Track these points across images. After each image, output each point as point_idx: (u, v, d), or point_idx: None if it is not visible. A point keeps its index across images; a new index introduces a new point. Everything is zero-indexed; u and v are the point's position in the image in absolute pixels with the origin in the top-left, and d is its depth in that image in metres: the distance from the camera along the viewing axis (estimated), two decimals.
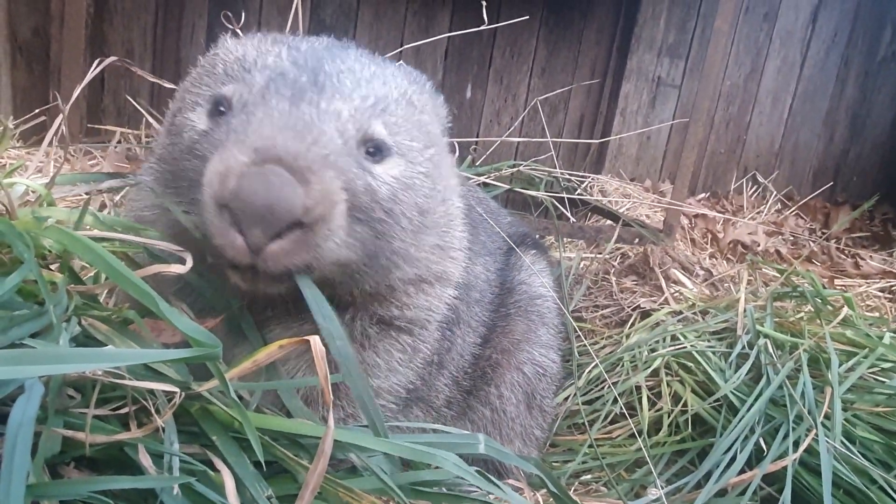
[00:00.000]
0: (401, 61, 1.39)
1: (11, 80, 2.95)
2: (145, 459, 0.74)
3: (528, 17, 2.59)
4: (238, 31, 1.85)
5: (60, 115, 1.38)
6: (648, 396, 1.85)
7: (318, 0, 3.41)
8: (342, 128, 1.02)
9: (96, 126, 2.91)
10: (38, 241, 0.90)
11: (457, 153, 3.25)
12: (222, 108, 1.05)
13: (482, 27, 1.96)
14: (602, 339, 2.11)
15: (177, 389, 0.78)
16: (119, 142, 2.54)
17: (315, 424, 0.89)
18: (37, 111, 2.18)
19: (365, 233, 1.04)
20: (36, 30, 2.99)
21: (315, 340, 0.82)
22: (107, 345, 0.90)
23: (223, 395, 0.90)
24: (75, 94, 1.49)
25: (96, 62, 1.55)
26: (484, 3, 2.01)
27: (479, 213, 1.60)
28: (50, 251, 0.93)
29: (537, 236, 2.05)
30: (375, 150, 1.07)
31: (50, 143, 1.52)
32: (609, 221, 3.11)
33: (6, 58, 2.90)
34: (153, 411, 0.79)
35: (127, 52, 3.18)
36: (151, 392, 0.85)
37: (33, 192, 1.09)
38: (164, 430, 0.82)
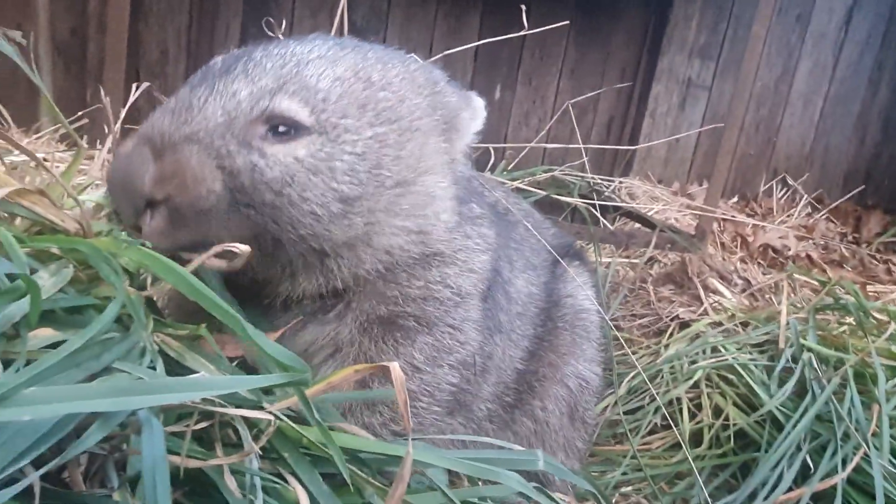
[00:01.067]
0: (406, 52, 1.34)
1: (52, 81, 2.99)
2: (231, 482, 0.75)
3: (567, 21, 2.56)
4: (270, 32, 1.87)
5: (111, 130, 1.41)
6: (689, 408, 1.84)
7: (349, 2, 3.42)
8: (232, 106, 1.01)
9: (132, 127, 2.94)
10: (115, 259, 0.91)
11: (492, 159, 3.25)
12: None
13: (521, 33, 1.95)
14: (640, 348, 2.10)
15: (270, 417, 0.79)
16: None
17: (389, 444, 0.90)
18: (80, 113, 2.21)
19: (255, 217, 1.01)
20: (74, 30, 3.02)
21: (395, 367, 0.82)
22: (182, 362, 0.91)
23: (291, 411, 0.92)
24: (119, 123, 1.53)
25: (134, 88, 1.60)
26: (523, 7, 2.00)
27: (526, 226, 1.59)
28: (125, 269, 0.94)
29: (577, 244, 2.04)
30: (286, 130, 1.03)
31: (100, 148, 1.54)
32: (639, 225, 3.09)
33: (47, 59, 2.94)
34: (237, 432, 0.80)
35: (161, 52, 3.21)
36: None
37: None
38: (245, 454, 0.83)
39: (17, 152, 1.97)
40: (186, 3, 3.18)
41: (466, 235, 1.27)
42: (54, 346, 0.78)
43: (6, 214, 0.96)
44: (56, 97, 3.12)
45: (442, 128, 1.23)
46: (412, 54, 1.32)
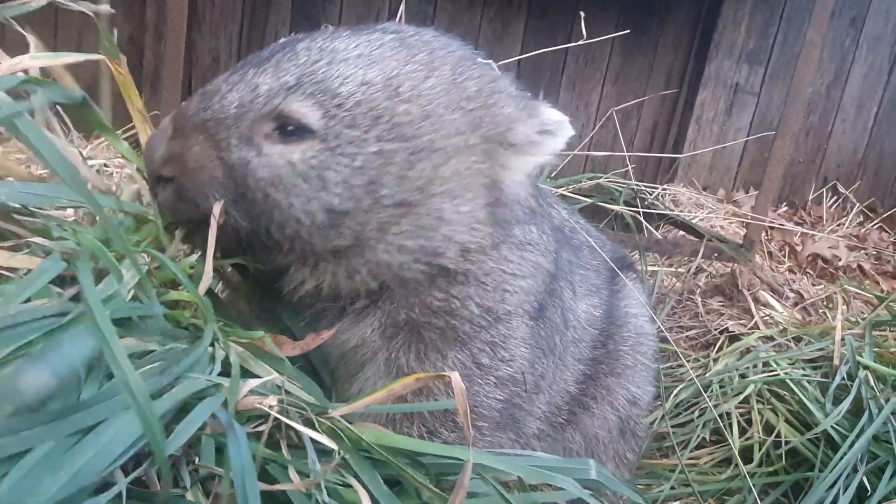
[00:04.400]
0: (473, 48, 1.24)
1: (109, 87, 3.09)
2: (295, 477, 0.78)
3: (626, 31, 2.54)
4: None
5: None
6: (739, 424, 1.81)
7: (395, 8, 3.45)
8: (248, 99, 1.02)
9: None
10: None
11: None
12: None
13: (580, 42, 1.95)
14: (688, 361, 2.07)
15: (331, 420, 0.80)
16: None
17: (448, 447, 0.91)
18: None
19: (249, 209, 1.04)
20: (130, 38, 3.13)
21: (455, 377, 0.83)
22: (246, 367, 0.95)
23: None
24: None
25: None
26: (582, 14, 1.99)
27: (592, 246, 1.55)
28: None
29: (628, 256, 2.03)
30: (293, 130, 1.02)
31: None
32: (683, 233, 3.05)
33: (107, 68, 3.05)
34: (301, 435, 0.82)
35: (213, 59, 3.30)
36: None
37: None
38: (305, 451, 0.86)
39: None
40: (238, 11, 3.26)
41: (505, 258, 1.19)
42: (135, 355, 0.82)
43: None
44: (113, 104, 3.24)
45: (483, 147, 1.13)
46: (489, 62, 1.21)
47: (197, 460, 0.77)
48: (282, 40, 1.13)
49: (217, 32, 3.27)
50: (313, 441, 0.84)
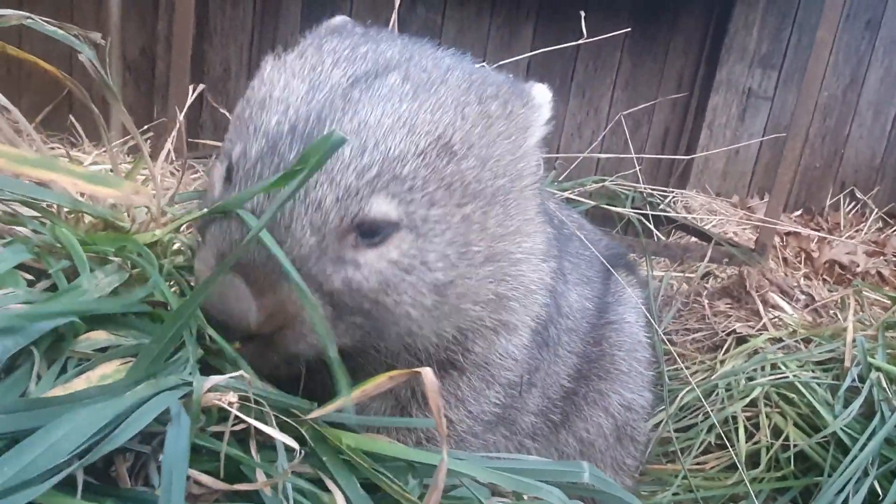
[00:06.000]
0: (483, 63, 1.19)
1: (123, 97, 3.16)
2: (262, 477, 0.77)
3: (628, 29, 2.53)
4: None
5: (169, 134, 1.47)
6: (745, 427, 1.76)
7: (403, 16, 3.48)
8: (321, 220, 0.91)
9: (195, 140, 3.08)
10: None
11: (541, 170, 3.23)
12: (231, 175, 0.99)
13: (580, 41, 1.94)
14: (694, 364, 2.03)
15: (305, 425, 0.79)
16: (217, 156, 2.66)
17: (424, 451, 0.89)
18: (145, 127, 2.33)
19: (355, 321, 0.97)
20: (143, 49, 3.19)
21: (427, 372, 0.81)
22: (220, 369, 0.94)
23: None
24: (179, 117, 1.58)
25: (191, 90, 1.64)
26: (582, 14, 1.98)
27: (581, 239, 1.53)
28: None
29: (630, 256, 2.00)
30: (374, 232, 0.95)
31: (166, 160, 1.60)
32: (694, 238, 3.00)
33: (118, 77, 3.11)
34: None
35: (224, 70, 3.35)
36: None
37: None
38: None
39: (88, 161, 2.08)
40: (249, 22, 3.32)
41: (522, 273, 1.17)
42: (104, 349, 0.82)
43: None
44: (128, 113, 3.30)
45: (521, 165, 1.10)
46: (483, 65, 1.16)
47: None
48: (289, 117, 0.96)
49: (227, 43, 3.32)
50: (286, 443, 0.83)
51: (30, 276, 0.86)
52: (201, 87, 1.62)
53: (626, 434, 1.53)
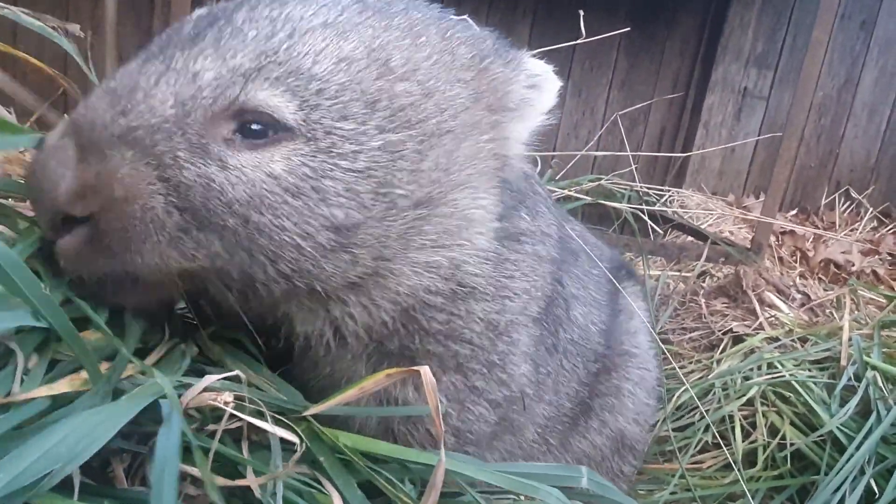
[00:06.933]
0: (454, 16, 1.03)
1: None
2: (251, 475, 0.76)
3: (626, 29, 2.53)
4: None
5: None
6: (742, 426, 1.77)
7: None
8: (189, 93, 0.75)
9: None
10: None
11: (538, 167, 3.23)
12: None
13: (578, 41, 1.94)
14: (690, 363, 2.03)
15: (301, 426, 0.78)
16: None
17: (422, 452, 0.89)
18: None
19: (208, 237, 0.77)
20: (139, 48, 3.17)
21: (425, 371, 0.79)
22: (222, 366, 0.93)
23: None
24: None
25: None
26: (581, 13, 1.98)
27: (589, 255, 1.42)
28: None
29: (626, 256, 1.99)
30: (260, 129, 0.78)
31: None
32: (691, 238, 3.01)
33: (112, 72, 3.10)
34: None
35: None
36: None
37: None
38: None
39: None
40: None
41: (503, 258, 1.02)
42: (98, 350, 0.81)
43: None
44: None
45: (487, 121, 0.95)
46: (465, 17, 1.05)
47: None
48: (199, 11, 0.86)
49: None
50: (283, 440, 0.82)
51: None
52: None
53: (627, 444, 1.51)
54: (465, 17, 1.05)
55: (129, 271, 0.77)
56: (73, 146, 0.73)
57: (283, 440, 0.82)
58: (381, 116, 0.83)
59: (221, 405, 0.73)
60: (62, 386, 0.70)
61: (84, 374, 0.72)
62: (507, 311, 1.04)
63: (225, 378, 0.79)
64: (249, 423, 0.80)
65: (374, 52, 0.84)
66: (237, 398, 0.77)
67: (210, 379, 0.76)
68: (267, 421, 0.78)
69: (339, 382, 1.03)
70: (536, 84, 0.98)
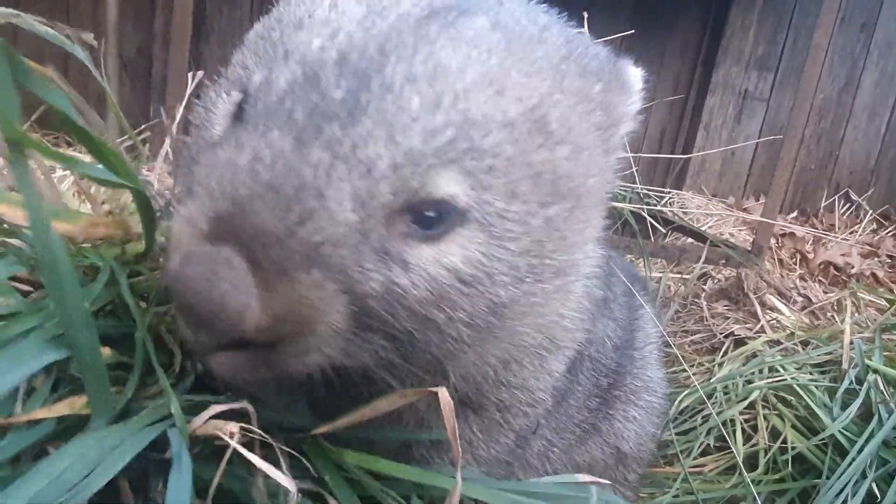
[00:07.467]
0: (583, 30, 0.92)
1: (119, 96, 3.14)
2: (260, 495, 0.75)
3: (630, 31, 2.54)
4: None
5: (168, 134, 1.45)
6: (743, 430, 1.77)
7: None
8: (366, 190, 0.64)
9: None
10: None
11: None
12: (244, 107, 0.71)
13: None
14: (692, 366, 2.03)
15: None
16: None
17: (431, 472, 0.87)
18: (143, 126, 2.32)
19: (379, 340, 0.71)
20: (140, 49, 3.17)
21: (443, 392, 0.76)
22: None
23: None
24: (178, 116, 1.56)
25: (190, 77, 1.60)
26: (585, 15, 1.98)
27: (621, 279, 1.40)
28: None
29: (628, 260, 1.99)
30: (433, 219, 0.68)
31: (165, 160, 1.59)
32: (691, 239, 3.01)
33: (114, 75, 3.09)
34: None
35: (222, 67, 3.33)
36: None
37: None
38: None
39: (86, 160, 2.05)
40: (247, 21, 3.30)
41: (584, 308, 0.98)
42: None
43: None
44: (123, 112, 3.28)
45: (607, 162, 0.87)
46: (583, 31, 0.93)
47: None
48: (342, 41, 0.69)
49: (225, 42, 3.30)
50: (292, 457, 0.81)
51: (27, 287, 0.84)
52: (200, 74, 1.55)
53: (633, 453, 1.50)
54: (581, 29, 0.93)
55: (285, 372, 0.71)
56: (244, 263, 0.60)
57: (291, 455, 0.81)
58: (544, 191, 0.74)
59: (227, 437, 0.71)
60: (63, 408, 0.69)
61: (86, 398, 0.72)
62: (565, 358, 1.02)
63: (231, 407, 0.76)
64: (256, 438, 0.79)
65: (532, 112, 0.73)
66: (243, 429, 0.74)
67: (217, 408, 0.73)
68: (276, 459, 0.76)
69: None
70: (636, 103, 0.90)
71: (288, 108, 0.65)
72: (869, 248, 3.81)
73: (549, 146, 0.74)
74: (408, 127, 0.65)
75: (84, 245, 0.93)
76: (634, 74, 0.90)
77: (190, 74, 1.51)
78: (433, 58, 0.69)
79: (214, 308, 0.60)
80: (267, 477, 0.72)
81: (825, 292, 2.78)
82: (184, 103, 1.56)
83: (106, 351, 0.79)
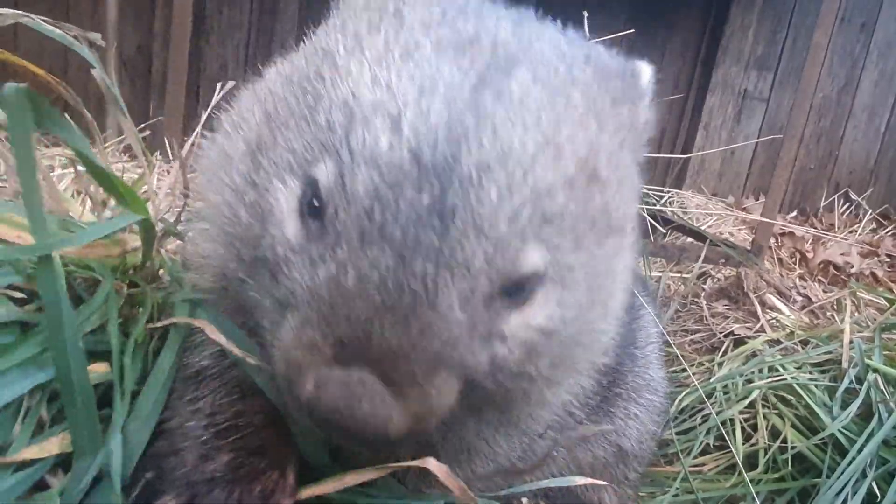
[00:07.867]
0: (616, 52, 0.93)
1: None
2: None
3: (631, 31, 2.54)
4: None
5: (182, 136, 1.45)
6: (743, 429, 1.77)
7: None
8: (468, 289, 0.68)
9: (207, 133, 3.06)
10: None
11: None
12: (316, 205, 0.71)
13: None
14: (692, 365, 2.03)
15: None
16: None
17: None
18: (142, 125, 2.32)
19: (476, 400, 0.77)
20: (139, 47, 3.17)
21: (431, 462, 0.79)
22: None
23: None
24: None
25: (218, 88, 1.59)
26: (585, 14, 1.98)
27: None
28: None
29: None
30: (517, 290, 0.72)
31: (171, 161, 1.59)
32: (691, 239, 3.01)
33: (115, 75, 3.09)
34: None
35: (221, 66, 3.33)
36: None
37: None
38: None
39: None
40: (246, 20, 3.30)
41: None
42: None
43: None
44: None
45: (638, 183, 0.91)
46: (616, 53, 0.94)
47: None
48: (396, 149, 0.68)
49: (224, 41, 3.30)
50: None
51: (21, 295, 0.84)
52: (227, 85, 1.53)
53: (633, 451, 1.50)
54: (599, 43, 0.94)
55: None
56: (377, 381, 0.66)
57: None
58: (600, 233, 0.78)
59: None
60: (52, 447, 0.69)
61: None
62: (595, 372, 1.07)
63: None
64: None
65: (586, 164, 0.75)
66: None
67: None
68: None
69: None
70: (641, 89, 0.92)
71: (379, 221, 0.67)
72: (868, 247, 3.82)
73: (601, 189, 0.77)
74: (493, 216, 0.68)
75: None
76: (647, 74, 0.92)
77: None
78: (498, 137, 0.70)
79: (359, 425, 0.66)
80: None
81: (825, 292, 2.78)
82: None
83: (102, 367, 0.79)
